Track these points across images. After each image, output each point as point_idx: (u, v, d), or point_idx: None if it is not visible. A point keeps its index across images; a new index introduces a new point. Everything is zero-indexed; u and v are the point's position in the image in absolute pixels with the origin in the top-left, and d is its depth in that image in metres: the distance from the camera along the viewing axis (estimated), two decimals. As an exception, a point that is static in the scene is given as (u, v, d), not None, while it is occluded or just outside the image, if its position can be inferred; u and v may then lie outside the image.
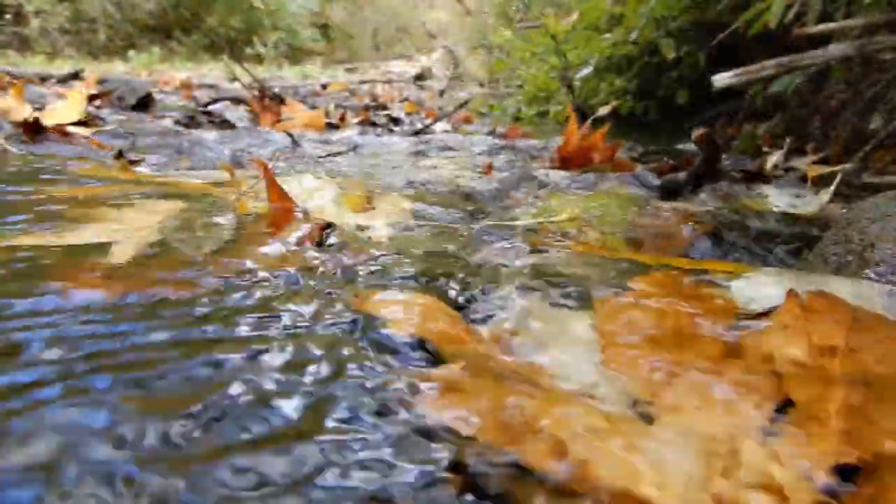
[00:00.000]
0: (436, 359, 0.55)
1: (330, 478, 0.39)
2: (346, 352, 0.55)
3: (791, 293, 0.61)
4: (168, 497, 0.36)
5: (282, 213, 1.04)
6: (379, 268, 0.79)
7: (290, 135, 2.22)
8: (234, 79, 4.36)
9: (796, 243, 1.06)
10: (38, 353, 0.50)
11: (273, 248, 0.83)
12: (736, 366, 0.55)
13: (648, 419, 0.49)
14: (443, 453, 0.42)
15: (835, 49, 2.06)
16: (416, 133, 2.95)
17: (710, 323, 0.64)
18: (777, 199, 1.40)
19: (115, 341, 0.54)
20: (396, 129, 3.32)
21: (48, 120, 1.94)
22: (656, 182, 1.52)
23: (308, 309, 0.64)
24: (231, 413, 0.45)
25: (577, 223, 1.15)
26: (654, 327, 0.63)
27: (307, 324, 0.61)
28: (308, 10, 19.26)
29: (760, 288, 0.76)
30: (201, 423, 0.43)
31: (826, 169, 1.59)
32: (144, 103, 3.41)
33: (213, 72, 10.32)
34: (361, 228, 1.03)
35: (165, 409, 0.44)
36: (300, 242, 0.86)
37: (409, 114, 4.45)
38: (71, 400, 0.44)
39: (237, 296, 0.66)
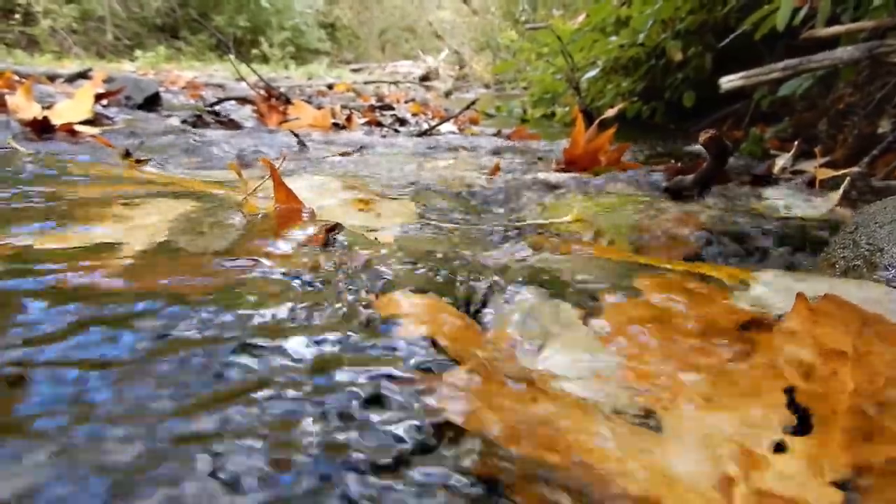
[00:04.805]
0: (444, 359, 0.55)
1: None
2: (350, 351, 0.55)
3: (800, 297, 0.61)
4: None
5: (289, 213, 1.04)
6: (386, 269, 0.79)
7: (297, 135, 2.22)
8: (240, 78, 4.37)
9: (804, 247, 1.05)
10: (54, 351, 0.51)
11: (280, 249, 0.83)
12: (744, 370, 0.55)
13: (654, 422, 0.49)
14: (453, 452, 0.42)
15: (843, 52, 2.05)
16: (422, 134, 2.95)
17: (718, 326, 0.64)
18: (785, 202, 1.39)
19: (128, 339, 0.54)
20: (402, 129, 3.33)
21: (56, 119, 1.95)
22: (663, 184, 1.52)
23: (313, 310, 0.64)
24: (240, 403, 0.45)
25: (583, 225, 1.15)
26: (661, 330, 0.63)
27: (312, 324, 0.61)
28: (314, 9, 19.32)
29: (768, 291, 0.75)
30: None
31: (834, 172, 1.59)
32: (152, 102, 3.42)
33: (220, 72, 10.37)
34: (368, 229, 1.03)
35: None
36: (307, 243, 0.86)
37: (415, 114, 4.45)
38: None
39: (244, 295, 0.66)
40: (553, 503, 0.39)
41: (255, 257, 0.78)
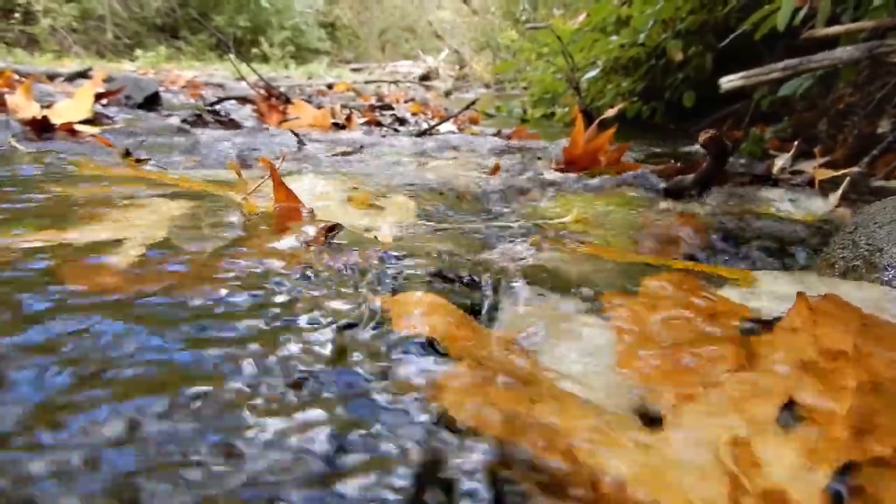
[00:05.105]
0: (444, 358, 0.55)
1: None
2: (352, 352, 0.55)
3: (800, 296, 0.61)
4: None
5: (288, 212, 1.04)
6: (385, 268, 0.79)
7: (296, 134, 2.22)
8: (240, 78, 4.37)
9: (803, 247, 1.05)
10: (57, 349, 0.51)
11: (280, 248, 0.83)
12: (745, 369, 0.55)
13: (654, 420, 0.49)
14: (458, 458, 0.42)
15: (843, 52, 2.05)
16: (422, 133, 2.95)
17: (719, 326, 0.64)
18: (784, 202, 1.39)
19: (128, 339, 0.54)
20: (402, 129, 3.32)
21: (56, 118, 1.95)
22: (663, 184, 1.52)
23: (314, 309, 0.64)
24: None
25: (583, 224, 1.15)
26: (662, 329, 0.63)
27: (313, 324, 0.61)
28: (314, 9, 19.31)
29: (768, 291, 0.75)
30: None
31: (834, 172, 1.59)
32: (151, 102, 3.42)
33: (220, 71, 10.38)
34: (367, 229, 1.03)
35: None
36: (307, 242, 0.86)
37: (414, 114, 4.45)
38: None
39: (243, 295, 0.66)
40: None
41: (254, 258, 0.78)
